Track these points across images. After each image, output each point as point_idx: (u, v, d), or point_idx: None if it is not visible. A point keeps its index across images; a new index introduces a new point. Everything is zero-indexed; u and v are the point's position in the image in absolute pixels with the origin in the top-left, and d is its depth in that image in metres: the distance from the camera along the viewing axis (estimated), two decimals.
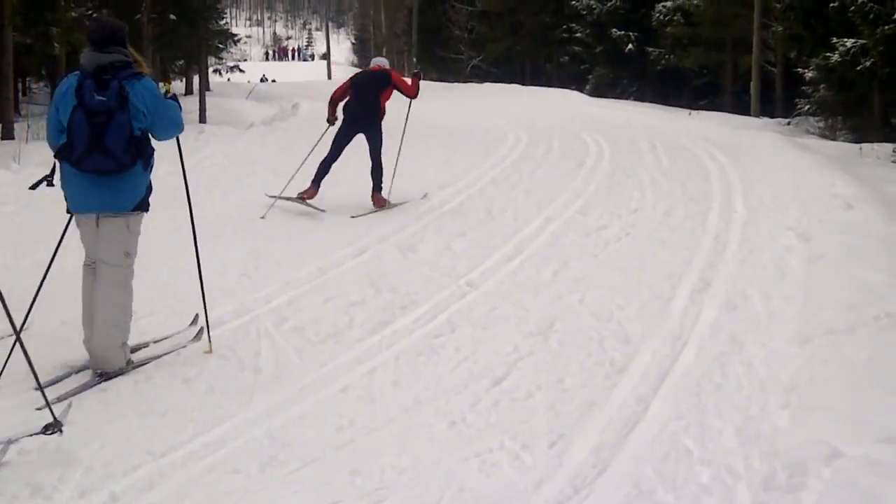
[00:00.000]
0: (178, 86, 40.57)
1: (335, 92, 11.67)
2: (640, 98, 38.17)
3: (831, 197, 9.95)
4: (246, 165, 14.31)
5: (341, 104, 11.51)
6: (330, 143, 11.31)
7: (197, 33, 31.43)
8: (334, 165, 11.28)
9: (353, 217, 10.58)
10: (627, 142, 16.56)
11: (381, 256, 8.84)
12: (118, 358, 5.93)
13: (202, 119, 28.09)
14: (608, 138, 16.97)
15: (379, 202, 11.31)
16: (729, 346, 6.15)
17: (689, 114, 27.52)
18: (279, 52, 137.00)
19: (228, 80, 42.12)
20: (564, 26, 44.40)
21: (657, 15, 35.90)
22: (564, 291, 7.60)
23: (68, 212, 6.04)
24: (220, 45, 38.31)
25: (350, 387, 5.71)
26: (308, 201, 10.97)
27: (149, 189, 6.09)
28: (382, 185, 11.43)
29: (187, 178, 6.64)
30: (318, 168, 11.32)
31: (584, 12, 41.72)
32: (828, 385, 5.19)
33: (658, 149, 15.49)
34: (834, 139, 22.83)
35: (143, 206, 6.05)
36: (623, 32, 39.56)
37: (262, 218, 10.40)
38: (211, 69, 40.40)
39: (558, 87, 40.52)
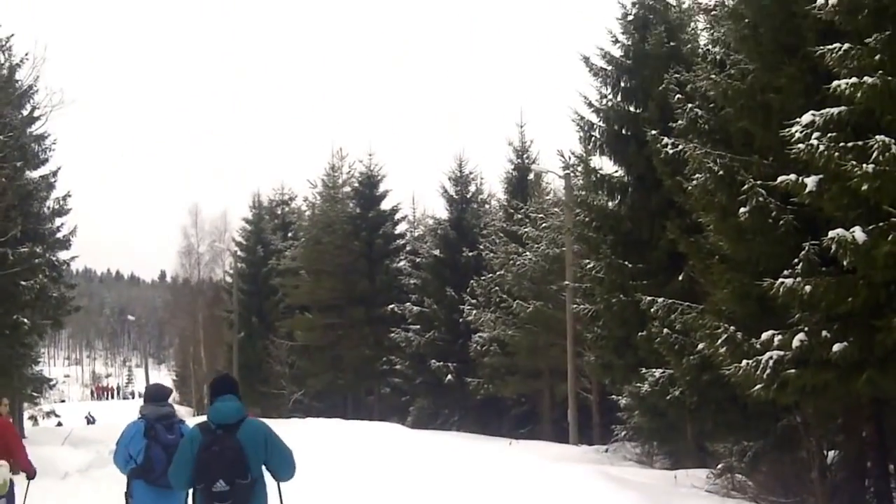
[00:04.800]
0: None
1: None
2: (462, 427, 38.33)
3: None
4: None
5: None
6: None
7: (10, 383, 30.11)
8: None
9: None
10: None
11: None
12: None
13: (14, 470, 26.43)
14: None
15: None
16: None
17: (510, 443, 27.49)
18: (98, 391, 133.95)
19: (34, 424, 40.57)
20: (384, 358, 44.86)
21: (474, 345, 36.71)
22: None
23: None
24: (35, 393, 36.86)
25: None
26: None
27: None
28: None
29: None
30: None
31: (403, 344, 42.44)
32: None
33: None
34: (651, 465, 22.98)
35: None
36: (442, 363, 40.20)
37: None
38: (26, 416, 38.82)
39: (380, 419, 40.31)
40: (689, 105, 16.33)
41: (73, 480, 17.83)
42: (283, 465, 7.08)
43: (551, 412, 35.32)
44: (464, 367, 39.36)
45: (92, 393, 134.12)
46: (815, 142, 11.14)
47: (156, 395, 8.96)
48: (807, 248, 11.87)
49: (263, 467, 7.11)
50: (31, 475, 11.39)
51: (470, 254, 42.06)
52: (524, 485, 15.27)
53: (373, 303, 47.00)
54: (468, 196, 46.14)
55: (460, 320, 39.15)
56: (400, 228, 52.02)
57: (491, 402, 38.63)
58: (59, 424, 40.96)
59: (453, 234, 44.37)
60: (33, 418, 41.26)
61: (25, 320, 28.08)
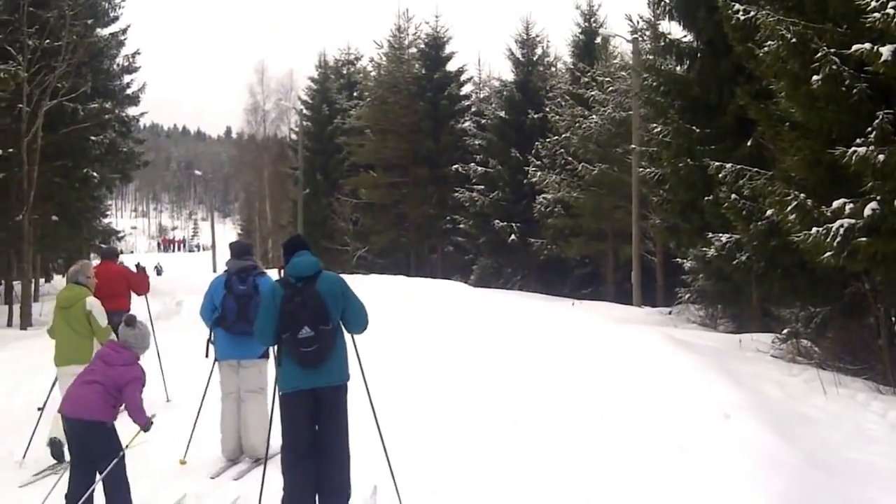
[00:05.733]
0: (58, 281, 39.73)
1: None
2: (524, 287, 38.75)
3: (711, 404, 9.82)
4: None
5: None
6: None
7: (80, 234, 31.02)
8: None
9: None
10: (504, 350, 16.05)
11: None
12: (263, 448, 8.52)
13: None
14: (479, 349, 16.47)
15: None
16: None
17: (573, 304, 27.72)
18: (164, 243, 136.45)
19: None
20: (448, 217, 45.24)
21: (538, 206, 36.81)
22: None
23: (215, 360, 9.41)
24: (104, 244, 37.74)
25: None
26: None
27: None
28: None
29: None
30: None
31: (468, 204, 42.66)
32: None
33: (540, 350, 15.29)
34: (714, 328, 23.12)
35: (266, 355, 9.17)
36: (506, 223, 40.48)
37: None
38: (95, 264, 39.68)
39: (443, 277, 40.85)
40: None
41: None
42: (358, 316, 7.42)
43: (614, 274, 35.59)
44: (527, 228, 39.65)
45: (159, 245, 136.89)
46: (891, 11, 10.86)
47: (238, 251, 9.65)
48: (881, 117, 11.63)
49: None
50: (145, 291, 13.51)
51: (535, 116, 42.02)
52: (588, 345, 15.49)
53: (437, 162, 47.21)
54: (534, 59, 45.90)
55: (524, 181, 39.37)
56: (465, 90, 52.11)
57: (554, 262, 38.95)
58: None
59: (519, 95, 44.23)
60: None
61: (95, 174, 28.79)
